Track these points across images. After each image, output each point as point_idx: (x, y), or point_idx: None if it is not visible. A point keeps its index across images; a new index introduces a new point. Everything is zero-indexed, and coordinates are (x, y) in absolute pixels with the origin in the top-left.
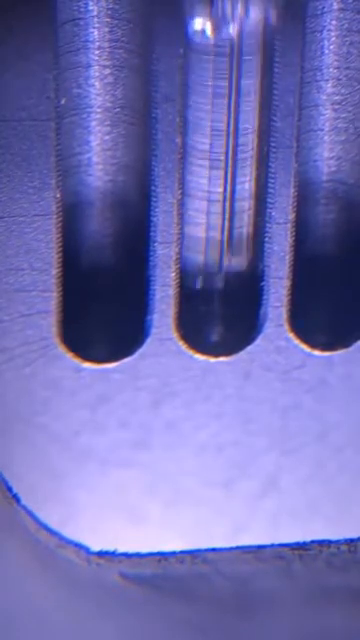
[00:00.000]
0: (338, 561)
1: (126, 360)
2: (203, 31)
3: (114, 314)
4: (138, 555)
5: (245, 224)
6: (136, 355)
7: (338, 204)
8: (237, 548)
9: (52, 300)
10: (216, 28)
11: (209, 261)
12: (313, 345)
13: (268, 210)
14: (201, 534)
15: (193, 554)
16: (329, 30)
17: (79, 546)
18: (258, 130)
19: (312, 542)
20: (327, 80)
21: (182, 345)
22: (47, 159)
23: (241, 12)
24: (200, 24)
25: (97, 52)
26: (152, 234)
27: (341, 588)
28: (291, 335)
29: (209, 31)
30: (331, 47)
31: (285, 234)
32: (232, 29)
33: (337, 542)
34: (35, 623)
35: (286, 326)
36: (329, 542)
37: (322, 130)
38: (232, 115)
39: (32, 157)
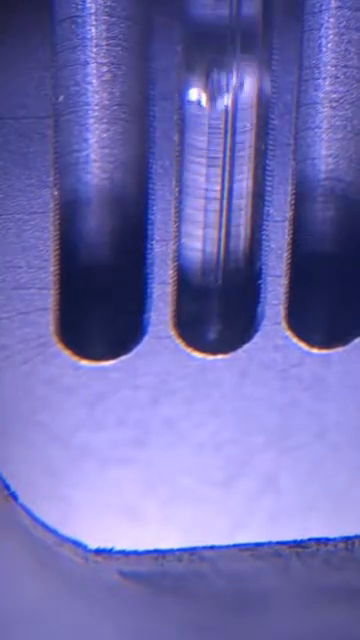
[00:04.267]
0: (335, 559)
1: (124, 358)
2: (198, 101)
3: (112, 312)
4: (136, 553)
5: (243, 222)
6: (134, 353)
7: (336, 202)
8: (235, 546)
9: (50, 298)
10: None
11: (206, 259)
12: (311, 343)
13: (266, 208)
14: (199, 532)
15: (191, 552)
16: (327, 28)
17: (77, 544)
18: (256, 128)
19: (310, 540)
20: (325, 78)
21: (180, 343)
22: (45, 156)
23: None
24: (195, 95)
25: (95, 50)
26: (150, 232)
27: (338, 586)
28: (289, 333)
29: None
30: (329, 45)
31: (283, 232)
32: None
33: (334, 540)
34: (33, 621)
35: (284, 324)
36: (326, 540)
37: (320, 128)
38: (230, 113)
39: (30, 154)
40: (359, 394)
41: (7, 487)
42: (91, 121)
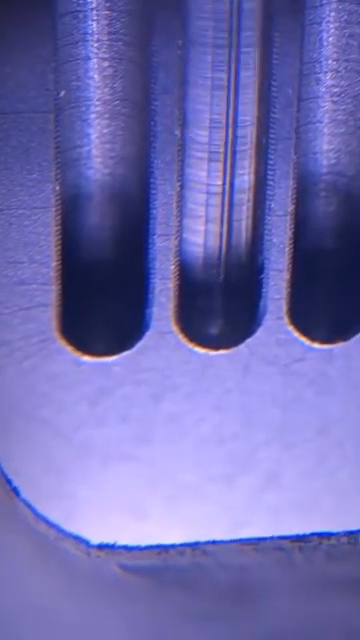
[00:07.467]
0: (338, 553)
1: (126, 353)
2: None
3: (114, 307)
4: (138, 548)
5: (244, 216)
6: (136, 348)
7: (337, 196)
8: (237, 540)
9: (52, 293)
10: None
11: (208, 254)
12: (313, 338)
13: (267, 202)
14: (202, 528)
15: (193, 546)
16: (328, 22)
17: (79, 539)
18: (257, 122)
19: (312, 534)
20: (326, 72)
21: (182, 338)
22: (46, 152)
23: None
24: None
25: (96, 44)
26: (151, 227)
27: (340, 579)
28: (291, 328)
29: None
30: (330, 39)
31: (284, 226)
32: None
33: (337, 534)
34: (35, 616)
35: (286, 319)
36: (329, 534)
37: (321, 122)
38: (231, 107)
39: (31, 150)
40: None
41: (9, 482)
42: (93, 116)
